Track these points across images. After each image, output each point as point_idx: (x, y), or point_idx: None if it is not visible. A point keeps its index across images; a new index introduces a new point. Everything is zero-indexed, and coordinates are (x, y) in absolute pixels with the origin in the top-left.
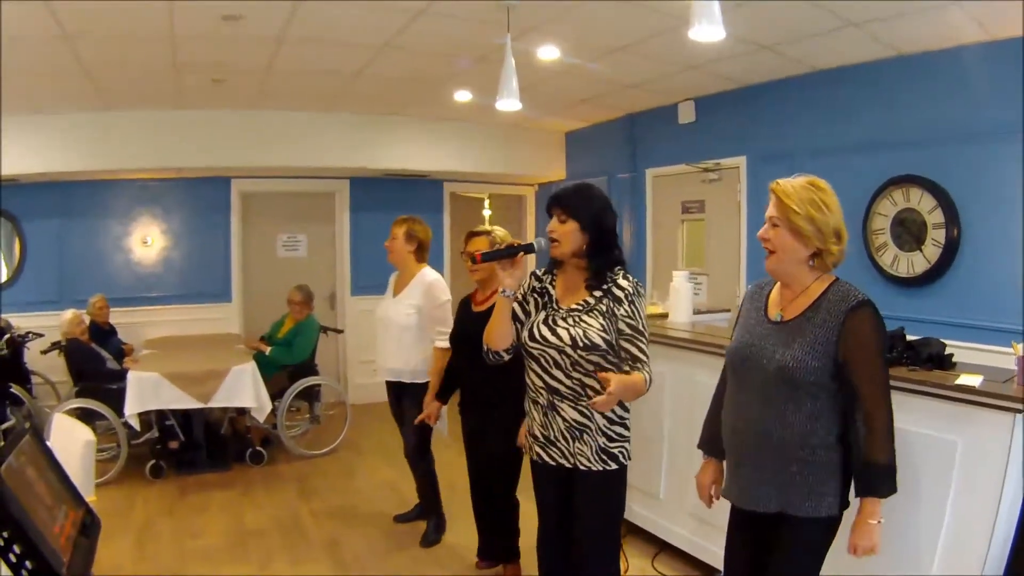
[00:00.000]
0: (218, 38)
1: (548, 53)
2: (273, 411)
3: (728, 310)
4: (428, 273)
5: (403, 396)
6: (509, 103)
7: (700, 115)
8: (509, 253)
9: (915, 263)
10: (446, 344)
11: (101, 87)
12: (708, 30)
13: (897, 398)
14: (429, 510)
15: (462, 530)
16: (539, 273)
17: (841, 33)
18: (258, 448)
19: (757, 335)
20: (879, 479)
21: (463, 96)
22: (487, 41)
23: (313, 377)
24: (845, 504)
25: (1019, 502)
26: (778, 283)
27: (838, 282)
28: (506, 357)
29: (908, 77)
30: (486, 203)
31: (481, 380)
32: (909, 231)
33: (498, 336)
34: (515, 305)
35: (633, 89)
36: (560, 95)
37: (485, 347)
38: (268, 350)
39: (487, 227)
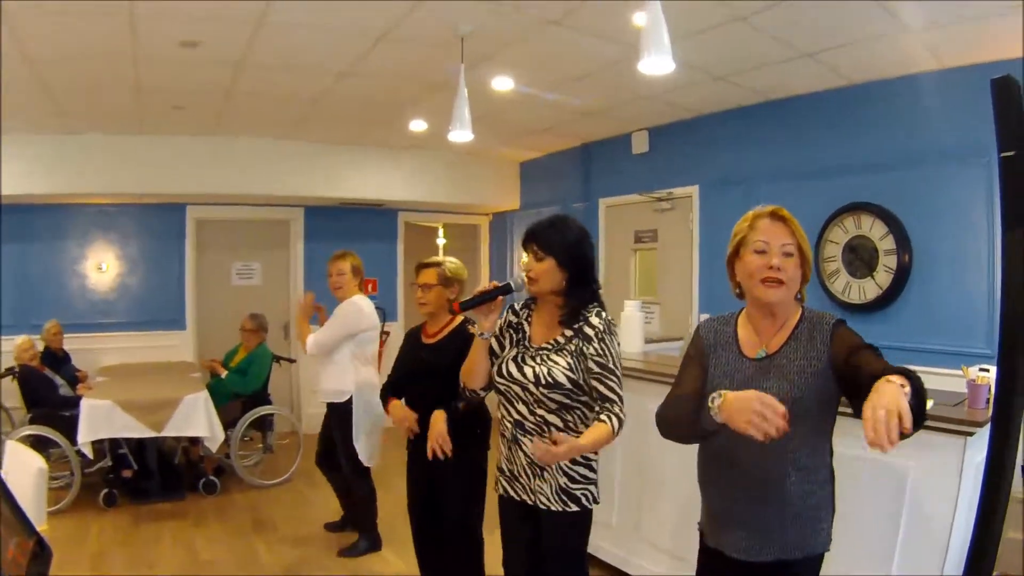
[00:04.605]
0: (178, 62)
1: (502, 83)
2: (226, 440)
3: (681, 339)
4: (354, 298)
5: (330, 416)
6: (461, 134)
7: (653, 145)
8: (487, 298)
9: (867, 290)
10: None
11: (63, 110)
12: (657, 61)
13: (846, 424)
14: (364, 528)
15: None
16: (516, 308)
17: (794, 63)
18: (211, 478)
19: (741, 379)
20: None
21: (418, 125)
22: (443, 70)
23: (266, 406)
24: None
25: (971, 526)
26: (741, 320)
27: (808, 309)
28: (482, 395)
29: (859, 105)
30: (440, 232)
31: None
32: (861, 258)
33: (475, 376)
34: (492, 340)
35: (587, 119)
36: (514, 125)
37: (461, 384)
38: (224, 373)
39: (437, 258)
